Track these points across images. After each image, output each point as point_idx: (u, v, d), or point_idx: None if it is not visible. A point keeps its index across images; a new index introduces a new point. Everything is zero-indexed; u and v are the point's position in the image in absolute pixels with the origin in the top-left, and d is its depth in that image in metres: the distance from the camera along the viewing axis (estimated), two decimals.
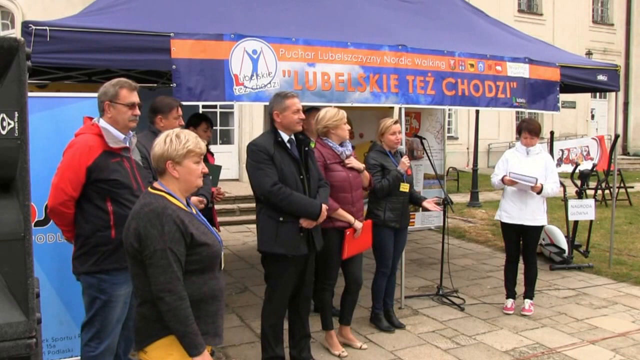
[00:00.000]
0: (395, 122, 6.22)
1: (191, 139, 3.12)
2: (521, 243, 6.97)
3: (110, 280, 4.17)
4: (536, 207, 6.74)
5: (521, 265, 7.05)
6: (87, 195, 4.13)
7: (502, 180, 6.76)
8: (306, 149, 5.09)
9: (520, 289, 7.10)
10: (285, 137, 4.95)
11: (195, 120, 6.50)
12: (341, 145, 5.60)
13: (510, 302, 7.05)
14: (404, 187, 6.14)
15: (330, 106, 5.79)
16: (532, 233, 6.87)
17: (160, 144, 3.08)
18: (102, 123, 4.19)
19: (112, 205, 4.14)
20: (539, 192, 6.61)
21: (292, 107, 4.89)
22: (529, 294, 7.02)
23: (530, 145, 6.82)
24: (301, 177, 4.96)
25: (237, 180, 17.23)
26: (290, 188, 4.84)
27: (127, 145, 4.29)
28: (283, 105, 4.89)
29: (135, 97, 4.25)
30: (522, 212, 6.74)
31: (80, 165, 4.04)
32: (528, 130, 6.78)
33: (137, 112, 4.27)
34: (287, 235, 4.87)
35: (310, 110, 6.43)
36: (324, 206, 4.99)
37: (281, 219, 4.85)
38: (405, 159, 6.21)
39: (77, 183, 4.06)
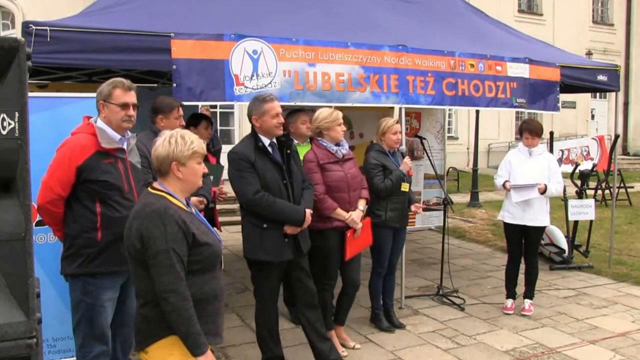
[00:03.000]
0: (397, 122, 6.21)
1: (195, 140, 3.14)
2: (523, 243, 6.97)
3: (95, 284, 4.12)
4: (539, 207, 6.73)
5: (522, 265, 7.04)
6: (76, 195, 4.08)
7: (504, 186, 6.79)
8: (288, 151, 5.03)
9: (520, 289, 7.10)
10: (266, 141, 4.88)
11: (194, 121, 6.50)
12: (337, 144, 5.59)
13: (510, 302, 7.04)
14: (404, 187, 6.14)
15: (330, 106, 5.77)
16: (534, 233, 6.86)
17: (164, 145, 3.07)
18: (99, 123, 4.14)
19: (101, 206, 4.08)
20: (543, 192, 6.60)
21: (271, 112, 4.79)
22: (529, 294, 7.02)
23: (532, 145, 6.80)
24: (284, 182, 4.90)
25: None
26: (274, 194, 4.78)
27: (122, 146, 4.24)
28: (262, 109, 4.79)
29: (129, 98, 4.17)
30: (526, 213, 6.72)
31: (70, 165, 4.00)
32: (529, 130, 6.77)
33: (131, 112, 4.18)
34: (272, 241, 4.83)
35: (295, 112, 6.33)
36: (308, 211, 4.95)
37: (265, 225, 4.80)
38: (407, 160, 6.21)
39: (67, 182, 4.02)
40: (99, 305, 4.17)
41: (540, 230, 6.94)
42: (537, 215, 6.74)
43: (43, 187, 4.06)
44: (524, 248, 6.98)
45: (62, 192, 4.05)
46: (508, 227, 6.96)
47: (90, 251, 4.09)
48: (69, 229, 4.16)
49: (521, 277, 7.10)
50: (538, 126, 6.82)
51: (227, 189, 6.65)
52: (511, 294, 7.09)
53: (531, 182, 6.61)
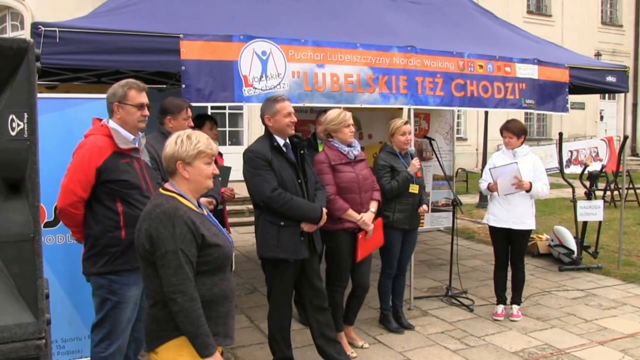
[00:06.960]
0: (406, 123, 6.19)
1: (202, 140, 3.13)
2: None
3: (121, 281, 4.17)
4: (525, 210, 6.60)
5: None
6: (96, 196, 4.12)
7: (488, 187, 6.67)
8: (302, 152, 5.07)
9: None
10: (281, 141, 4.93)
11: (198, 122, 6.49)
12: (349, 145, 5.58)
13: (500, 308, 6.86)
14: (414, 189, 6.11)
15: (340, 107, 5.77)
16: (520, 237, 6.70)
17: (171, 145, 3.09)
18: (112, 124, 4.19)
19: (122, 205, 4.14)
20: (528, 191, 6.49)
21: (283, 111, 4.86)
22: (516, 299, 6.87)
23: (513, 146, 6.67)
24: (299, 181, 4.95)
25: None
26: (289, 192, 4.83)
27: (136, 146, 4.29)
28: (274, 109, 4.87)
29: (144, 98, 4.26)
30: (510, 214, 6.58)
31: (90, 166, 4.04)
32: (507, 129, 6.67)
33: (146, 112, 4.27)
34: (289, 239, 4.86)
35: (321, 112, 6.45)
36: (324, 210, 5.00)
37: (282, 223, 4.83)
38: (415, 161, 6.17)
39: (87, 184, 4.06)
40: (124, 302, 4.22)
41: (527, 234, 6.78)
42: (523, 218, 6.59)
43: (63, 191, 4.10)
44: (510, 252, 6.82)
45: (83, 193, 4.09)
46: (494, 230, 6.81)
47: (114, 250, 4.14)
48: (91, 229, 4.19)
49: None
50: (517, 126, 6.69)
51: (237, 190, 6.65)
52: (501, 300, 6.92)
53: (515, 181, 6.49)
